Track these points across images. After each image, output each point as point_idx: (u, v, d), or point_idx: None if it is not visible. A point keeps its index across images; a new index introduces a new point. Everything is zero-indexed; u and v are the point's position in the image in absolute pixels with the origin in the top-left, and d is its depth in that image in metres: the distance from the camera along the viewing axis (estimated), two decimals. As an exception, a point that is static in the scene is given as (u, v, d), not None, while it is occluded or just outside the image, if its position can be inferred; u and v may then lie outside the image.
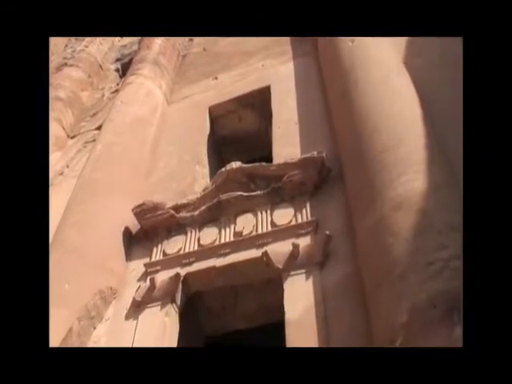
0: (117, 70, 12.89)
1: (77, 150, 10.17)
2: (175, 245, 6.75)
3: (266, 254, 5.93)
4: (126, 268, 6.95)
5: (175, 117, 9.82)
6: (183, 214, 6.93)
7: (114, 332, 6.18)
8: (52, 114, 10.47)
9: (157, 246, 6.90)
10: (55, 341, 5.57)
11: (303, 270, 5.65)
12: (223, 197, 6.75)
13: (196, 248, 6.58)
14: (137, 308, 6.29)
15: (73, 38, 13.78)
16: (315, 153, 6.52)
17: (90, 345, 5.93)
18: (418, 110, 5.85)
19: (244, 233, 6.39)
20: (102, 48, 13.43)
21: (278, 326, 5.56)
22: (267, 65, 9.60)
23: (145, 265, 6.75)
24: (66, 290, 6.21)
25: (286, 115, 8.15)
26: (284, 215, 6.32)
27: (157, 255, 6.80)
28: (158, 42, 11.37)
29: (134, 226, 7.27)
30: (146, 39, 11.53)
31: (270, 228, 6.28)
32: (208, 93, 9.87)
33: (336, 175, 6.46)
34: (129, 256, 7.10)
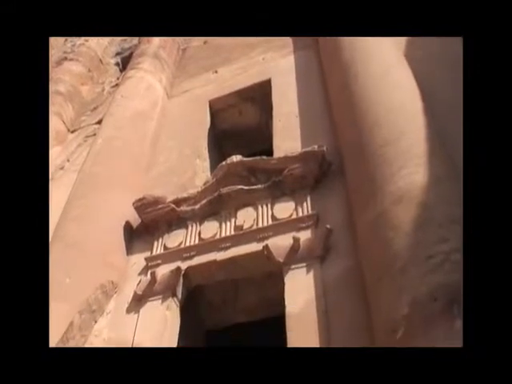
0: (117, 64, 12.86)
1: (77, 145, 10.16)
2: (176, 239, 6.76)
3: (266, 247, 5.93)
4: (127, 262, 6.96)
5: (175, 111, 9.80)
6: (184, 208, 6.93)
7: (116, 325, 6.21)
8: (52, 109, 10.46)
9: (157, 240, 6.90)
10: (56, 335, 5.60)
11: (304, 264, 5.66)
12: (224, 190, 6.74)
13: (197, 242, 6.59)
14: (138, 302, 6.31)
15: (73, 33, 13.74)
16: (316, 146, 6.51)
17: (92, 338, 5.95)
18: (418, 103, 5.83)
19: (245, 226, 6.39)
20: (102, 42, 13.40)
21: (278, 320, 5.58)
22: (268, 58, 9.57)
23: (146, 259, 6.76)
24: (67, 284, 6.22)
25: (286, 109, 8.14)
26: (285, 209, 6.32)
27: (157, 249, 6.81)
28: (158, 35, 11.33)
29: (135, 220, 7.27)
30: (146, 33, 11.49)
31: (270, 222, 6.28)
32: (208, 86, 9.85)
33: (336, 169, 6.45)
34: (130, 250, 7.11)
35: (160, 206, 7.00)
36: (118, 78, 11.89)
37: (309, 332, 5.05)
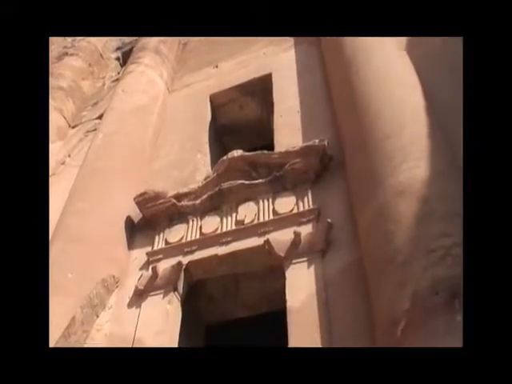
0: (117, 59, 12.83)
1: (78, 140, 10.15)
2: (177, 233, 6.76)
3: (267, 242, 5.93)
4: (129, 257, 6.97)
5: (176, 105, 9.78)
6: (185, 203, 6.94)
7: (117, 320, 6.22)
8: (53, 104, 10.45)
9: (159, 235, 6.91)
10: (58, 329, 5.61)
11: (305, 258, 5.66)
12: (225, 185, 6.74)
13: (198, 236, 6.59)
14: (139, 296, 6.33)
15: (73, 27, 13.70)
16: (317, 141, 6.50)
17: (93, 333, 5.96)
18: (420, 98, 5.82)
19: (246, 221, 6.39)
20: (102, 37, 13.35)
21: (279, 315, 5.58)
22: (269, 52, 9.54)
23: (147, 253, 6.76)
24: (69, 278, 6.24)
25: (287, 103, 8.12)
26: (286, 203, 6.32)
27: (159, 244, 6.81)
28: (159, 30, 11.29)
29: (136, 214, 7.28)
30: (147, 27, 11.46)
31: (271, 216, 6.28)
32: (209, 81, 9.83)
33: (337, 163, 6.45)
34: (131, 245, 7.12)
35: (161, 201, 7.00)
36: (118, 73, 11.88)
37: (310, 326, 5.06)
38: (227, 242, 6.30)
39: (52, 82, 10.94)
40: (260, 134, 8.92)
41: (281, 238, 5.94)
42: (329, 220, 5.74)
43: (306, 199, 6.24)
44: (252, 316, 6.69)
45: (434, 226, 4.34)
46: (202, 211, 6.82)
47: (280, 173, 6.51)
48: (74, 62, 12.11)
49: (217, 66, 10.04)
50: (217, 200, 6.78)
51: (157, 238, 6.90)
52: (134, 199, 7.14)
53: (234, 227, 6.43)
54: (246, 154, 7.01)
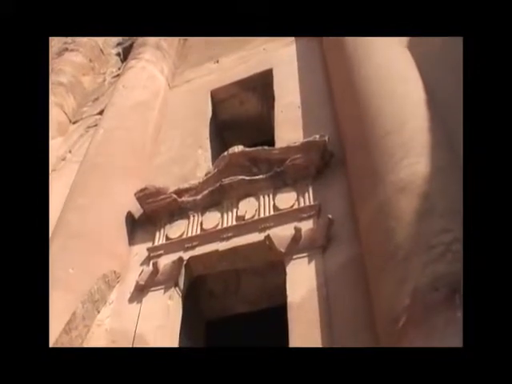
0: (118, 55, 12.80)
1: (79, 135, 10.15)
2: (178, 229, 6.77)
3: (268, 237, 5.94)
4: (129, 252, 6.98)
5: (177, 101, 9.77)
6: (186, 199, 6.94)
7: (118, 315, 6.24)
8: (54, 99, 10.45)
9: (159, 231, 6.92)
10: (60, 324, 5.63)
11: (305, 254, 5.67)
12: (225, 181, 6.74)
13: (199, 232, 6.60)
14: (140, 292, 6.34)
15: (73, 22, 13.67)
16: (317, 136, 6.50)
17: (94, 328, 5.98)
18: (421, 93, 5.81)
19: (246, 217, 6.40)
20: (103, 32, 13.33)
21: (280, 310, 5.59)
22: (269, 48, 9.51)
23: (148, 249, 6.77)
24: (70, 274, 6.25)
25: (288, 99, 8.10)
26: (286, 199, 6.32)
27: (160, 239, 6.82)
28: (160, 25, 11.27)
29: (137, 210, 7.29)
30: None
31: (272, 212, 6.28)
32: (210, 76, 9.81)
33: (338, 159, 6.44)
34: (132, 240, 7.13)
35: (162, 197, 7.01)
36: (119, 69, 11.85)
37: (310, 322, 5.07)
38: (228, 238, 6.31)
39: (52, 77, 10.94)
40: (261, 130, 8.91)
41: (281, 233, 5.94)
42: (329, 216, 5.74)
43: (306, 195, 6.24)
44: (252, 311, 6.70)
45: (434, 222, 4.34)
46: (203, 207, 6.83)
47: (281, 168, 6.51)
48: (75, 58, 12.09)
49: (217, 62, 10.02)
50: (217, 196, 6.78)
51: (157, 233, 6.91)
52: (135, 195, 7.15)
53: (234, 223, 6.43)
54: (247, 149, 7.00)
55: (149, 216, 7.15)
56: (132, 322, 6.02)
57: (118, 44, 13.10)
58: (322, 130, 6.73)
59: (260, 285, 6.47)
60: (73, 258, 6.45)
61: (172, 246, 6.62)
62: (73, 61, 11.99)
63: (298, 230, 5.78)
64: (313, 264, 5.55)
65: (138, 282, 6.42)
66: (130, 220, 7.29)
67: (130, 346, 5.77)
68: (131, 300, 6.36)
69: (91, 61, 12.45)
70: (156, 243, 6.80)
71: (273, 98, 8.38)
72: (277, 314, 5.80)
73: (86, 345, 5.83)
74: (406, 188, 4.76)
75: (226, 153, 7.10)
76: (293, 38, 9.39)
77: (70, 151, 9.78)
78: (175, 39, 11.30)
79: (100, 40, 12.95)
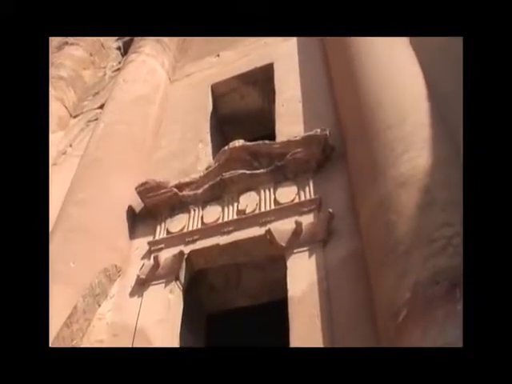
0: (118, 49, 12.77)
1: (79, 129, 10.14)
2: (178, 223, 6.77)
3: (269, 231, 5.94)
4: (130, 246, 6.99)
5: (178, 95, 9.76)
6: (186, 193, 6.94)
7: (119, 309, 6.25)
8: (54, 94, 10.44)
9: (160, 225, 6.92)
10: (60, 318, 5.64)
11: (306, 248, 5.67)
12: (226, 175, 6.74)
13: (199, 226, 6.60)
14: (141, 286, 6.35)
15: (74, 16, 13.64)
16: (318, 130, 6.49)
17: (95, 322, 5.99)
18: (422, 87, 5.79)
19: (247, 211, 6.39)
20: (103, 26, 13.30)
21: (280, 304, 5.60)
22: (270, 42, 9.47)
23: (149, 243, 6.78)
24: (71, 268, 6.26)
25: (289, 93, 8.09)
26: (287, 193, 6.31)
27: (160, 233, 6.82)
28: (160, 18, 11.23)
29: (138, 204, 7.29)
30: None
31: (273, 206, 6.28)
32: (210, 70, 9.78)
33: (339, 153, 6.43)
34: (133, 234, 7.14)
35: (162, 191, 7.01)
36: (119, 63, 11.83)
37: (311, 316, 5.08)
38: (228, 232, 6.31)
39: (53, 71, 10.92)
40: (261, 124, 8.90)
41: (282, 227, 5.94)
42: (330, 210, 5.74)
43: (307, 189, 6.23)
44: (253, 305, 6.71)
45: (435, 216, 4.34)
46: (204, 201, 6.82)
47: (281, 162, 6.50)
48: (75, 52, 12.06)
49: (218, 55, 9.98)
50: (218, 190, 6.78)
51: (158, 227, 6.91)
52: (136, 189, 7.15)
53: (235, 217, 6.43)
54: (248, 143, 6.99)
55: (149, 210, 7.15)
56: (133, 315, 6.04)
57: (119, 38, 13.07)
58: (323, 123, 6.72)
59: (261, 279, 6.48)
60: (74, 252, 6.46)
61: (173, 239, 6.62)
62: (73, 55, 11.97)
63: (298, 224, 5.78)
64: (313, 258, 5.55)
65: (138, 276, 6.43)
66: (131, 214, 7.29)
67: (131, 340, 5.78)
68: (132, 294, 6.37)
69: (91, 55, 12.43)
70: (157, 237, 6.81)
71: (273, 92, 8.36)
72: (277, 308, 5.81)
73: (86, 338, 5.84)
74: (407, 182, 4.76)
75: (226, 147, 7.09)
76: (294, 32, 9.35)
77: (70, 145, 9.78)
78: (176, 33, 11.27)
79: (100, 34, 12.92)
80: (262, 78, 9.01)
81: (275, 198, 6.34)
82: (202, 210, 6.77)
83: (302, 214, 5.99)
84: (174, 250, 6.43)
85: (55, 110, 10.17)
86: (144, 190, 7.11)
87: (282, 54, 9.03)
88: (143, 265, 6.55)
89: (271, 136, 7.45)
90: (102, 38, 12.84)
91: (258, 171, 6.65)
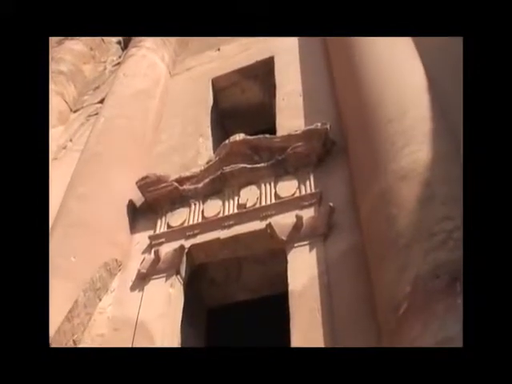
0: (118, 43, 12.74)
1: (80, 124, 10.14)
2: (179, 217, 6.77)
3: (269, 225, 5.94)
4: (131, 240, 6.99)
5: (178, 89, 9.73)
6: (187, 187, 6.94)
7: (120, 303, 6.26)
8: (54, 88, 10.43)
9: (161, 219, 6.92)
10: (61, 312, 5.65)
11: (307, 242, 5.66)
12: (227, 169, 6.73)
13: (200, 220, 6.59)
14: (142, 280, 6.36)
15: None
16: (319, 124, 6.47)
17: (96, 316, 6.00)
18: (423, 81, 5.78)
19: (248, 205, 6.39)
20: (103, 20, 13.26)
21: (281, 298, 5.60)
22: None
23: (149, 237, 6.78)
24: (72, 262, 6.27)
25: (289, 87, 8.06)
26: (288, 187, 6.31)
27: (161, 227, 6.82)
28: (160, 12, 11.19)
29: (138, 198, 7.28)
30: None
31: (273, 200, 6.28)
32: (211, 64, 9.76)
33: (340, 147, 6.42)
34: (133, 229, 7.14)
35: (163, 185, 7.00)
36: (119, 57, 11.80)
37: (311, 310, 5.08)
38: (229, 226, 6.30)
39: (53, 66, 10.90)
40: (262, 118, 8.88)
41: (283, 221, 5.94)
42: (331, 204, 5.73)
43: (308, 183, 6.23)
44: (254, 299, 6.72)
45: (436, 210, 4.34)
46: (204, 195, 6.82)
47: (282, 156, 6.49)
48: (75, 46, 12.03)
49: (219, 49, 9.95)
50: (219, 184, 6.77)
51: (159, 221, 6.91)
52: (136, 183, 7.15)
53: (236, 211, 6.43)
54: (248, 137, 6.98)
55: (150, 204, 7.15)
56: (134, 309, 6.05)
57: (119, 33, 13.04)
58: (324, 117, 6.71)
59: (261, 273, 6.48)
60: (74, 246, 6.47)
61: (173, 234, 6.62)
62: (73, 49, 11.95)
63: (299, 217, 5.78)
64: (314, 252, 5.55)
65: (139, 270, 6.43)
66: (132, 208, 7.28)
67: (132, 334, 5.79)
68: (133, 288, 6.38)
69: (92, 49, 12.41)
70: (157, 231, 6.81)
71: (274, 86, 8.33)
72: (278, 302, 5.82)
73: (87, 332, 5.86)
74: (408, 176, 4.76)
75: (227, 141, 7.08)
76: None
77: (70, 140, 9.77)
78: (176, 27, 11.23)
79: (100, 28, 12.88)
80: (263, 72, 8.99)
81: (276, 192, 6.33)
82: (203, 204, 6.77)
83: (302, 207, 5.99)
84: (175, 244, 6.43)
85: (55, 104, 10.16)
86: (144, 184, 7.11)
87: (282, 47, 8.99)
88: (144, 259, 6.55)
89: (272, 130, 7.44)
90: (102, 32, 12.82)
91: (258, 165, 6.64)
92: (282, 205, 6.15)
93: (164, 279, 6.21)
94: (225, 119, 9.48)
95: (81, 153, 8.35)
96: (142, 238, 6.90)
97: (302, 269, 5.46)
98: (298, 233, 5.76)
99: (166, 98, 9.56)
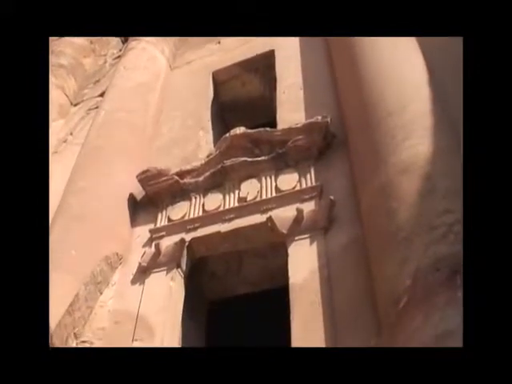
0: (119, 36, 12.71)
1: (80, 118, 10.12)
2: (180, 211, 6.77)
3: (270, 219, 5.94)
4: (132, 234, 7.00)
5: (178, 82, 9.71)
6: (187, 180, 6.93)
7: (121, 297, 6.28)
8: (55, 81, 10.41)
9: (161, 212, 6.92)
10: (62, 306, 5.67)
11: (307, 235, 5.66)
12: (227, 162, 6.72)
13: (200, 214, 6.59)
14: (143, 273, 6.36)
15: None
16: (319, 117, 6.46)
17: (97, 309, 6.02)
18: (424, 75, 5.76)
19: (248, 198, 6.39)
20: (103, 13, 13.21)
21: (281, 291, 5.61)
22: (271, 28, 9.40)
23: (150, 231, 6.78)
24: (73, 256, 6.27)
25: (290, 80, 8.04)
26: (288, 180, 6.30)
27: (162, 221, 6.83)
28: (160, 5, 11.15)
29: (139, 192, 7.28)
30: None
31: (274, 193, 6.28)
32: (211, 57, 9.73)
33: (340, 140, 6.41)
34: (134, 222, 7.14)
35: (164, 179, 7.00)
36: (120, 50, 11.76)
37: (312, 303, 5.09)
38: (230, 219, 6.30)
39: (53, 59, 10.86)
40: (262, 111, 8.87)
41: (283, 215, 5.94)
42: (331, 197, 5.73)
43: (308, 176, 6.22)
44: (254, 292, 6.73)
45: (436, 203, 4.34)
46: (205, 188, 6.82)
47: (282, 150, 6.48)
48: (75, 39, 11.98)
49: (219, 43, 9.91)
50: (219, 177, 6.77)
51: (159, 215, 6.91)
52: (137, 177, 7.15)
53: (236, 204, 6.43)
54: (249, 131, 6.97)
55: (151, 198, 7.15)
56: (134, 303, 6.06)
57: (119, 26, 12.99)
58: (324, 111, 6.69)
59: (262, 266, 6.48)
60: (75, 240, 6.47)
61: (174, 227, 6.62)
62: (73, 42, 11.91)
63: (299, 211, 5.78)
64: (314, 245, 5.55)
65: (140, 264, 6.44)
66: (132, 202, 7.28)
67: (133, 327, 5.81)
68: (134, 281, 6.39)
69: (92, 42, 12.37)
70: (158, 225, 6.81)
71: (275, 80, 8.31)
72: (278, 295, 5.83)
73: (88, 326, 5.88)
74: (408, 169, 4.75)
75: (227, 134, 7.07)
76: (295, 19, 9.27)
77: (71, 133, 9.76)
78: (176, 20, 11.19)
79: (100, 21, 12.84)
80: (263, 65, 8.97)
81: (276, 186, 6.33)
82: (203, 197, 6.77)
83: (303, 201, 5.98)
84: (176, 238, 6.43)
85: (56, 98, 10.14)
86: (145, 177, 7.10)
87: (283, 40, 8.94)
88: (144, 252, 6.55)
89: (272, 123, 7.43)
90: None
91: (259, 158, 6.64)
92: (283, 198, 6.14)
93: (165, 272, 6.21)
94: (225, 112, 9.46)
95: (81, 146, 8.35)
96: (143, 231, 6.90)
97: (303, 262, 5.46)
98: (298, 226, 5.76)
99: (167, 91, 9.53)
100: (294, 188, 6.20)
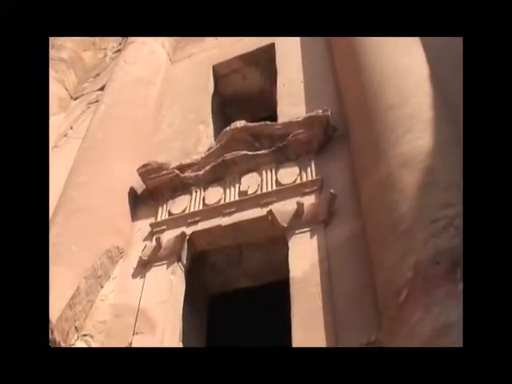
0: (119, 29, 12.66)
1: (80, 111, 10.11)
2: (180, 204, 6.77)
3: (270, 212, 5.94)
4: (132, 228, 7.00)
5: (179, 76, 9.68)
6: (188, 174, 6.93)
7: (122, 290, 6.29)
8: (55, 75, 10.39)
9: (162, 206, 6.92)
10: (63, 300, 5.67)
11: (308, 229, 5.67)
12: (228, 156, 6.72)
13: (201, 207, 6.60)
14: (143, 267, 6.37)
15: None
16: (320, 111, 6.45)
17: (98, 303, 6.03)
18: (425, 69, 5.76)
19: (249, 192, 6.39)
20: (103, 6, 13.16)
21: (282, 284, 5.62)
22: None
23: (150, 224, 6.78)
24: (73, 250, 6.28)
25: (291, 73, 8.03)
26: (289, 174, 6.30)
27: (162, 215, 6.83)
28: (161, -1, 11.11)
29: (140, 186, 7.28)
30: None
31: (274, 187, 6.28)
32: (212, 51, 9.69)
33: (341, 134, 6.40)
34: (134, 216, 7.14)
35: (164, 172, 7.00)
36: (120, 44, 11.72)
37: (312, 296, 5.10)
38: (230, 213, 6.31)
39: (53, 53, 10.84)
40: (263, 105, 8.85)
41: (284, 208, 5.94)
42: (332, 191, 5.73)
43: (309, 170, 6.22)
44: (255, 286, 6.73)
45: (437, 196, 4.34)
46: (205, 182, 6.81)
47: (283, 143, 6.47)
48: (76, 33, 11.96)
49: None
50: (220, 171, 6.77)
51: (160, 209, 6.91)
52: (137, 170, 7.14)
53: (237, 198, 6.43)
54: (249, 124, 6.96)
55: (151, 192, 7.15)
56: (135, 296, 6.07)
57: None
58: (325, 104, 6.68)
59: (262, 259, 6.49)
60: (76, 233, 6.48)
61: (175, 221, 6.63)
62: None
63: (300, 204, 5.78)
64: (315, 239, 5.56)
65: (141, 258, 6.45)
66: (133, 196, 7.28)
67: (134, 321, 5.82)
68: (134, 275, 6.39)
69: (92, 36, 12.33)
70: (159, 219, 6.81)
71: (275, 73, 8.29)
72: (279, 289, 5.84)
73: (89, 319, 5.89)
74: (409, 162, 4.75)
75: (228, 128, 7.06)
76: (295, 12, 9.23)
77: (71, 127, 9.76)
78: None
79: (101, 15, 12.79)
80: (264, 59, 8.94)
81: (277, 179, 6.33)
82: (204, 191, 6.77)
83: (303, 194, 5.99)
84: (176, 232, 6.43)
85: (56, 91, 10.13)
86: (145, 171, 7.10)
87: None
88: (145, 246, 6.56)
89: (273, 117, 7.42)
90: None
91: (259, 152, 6.63)
92: (283, 192, 6.15)
93: (165, 266, 6.22)
94: (226, 106, 9.44)
95: (81, 140, 8.34)
96: (144, 225, 6.91)
97: (303, 255, 5.47)
98: (298, 220, 5.76)
99: (167, 85, 9.50)
100: (294, 182, 6.20)
